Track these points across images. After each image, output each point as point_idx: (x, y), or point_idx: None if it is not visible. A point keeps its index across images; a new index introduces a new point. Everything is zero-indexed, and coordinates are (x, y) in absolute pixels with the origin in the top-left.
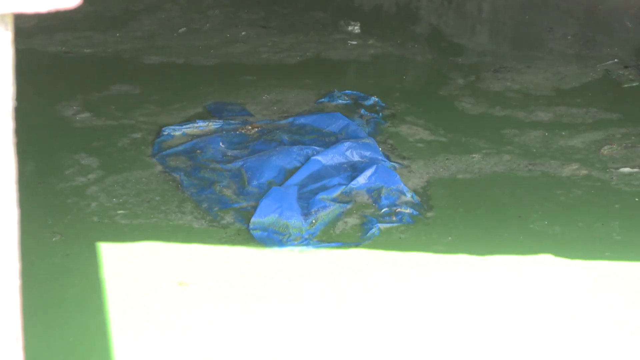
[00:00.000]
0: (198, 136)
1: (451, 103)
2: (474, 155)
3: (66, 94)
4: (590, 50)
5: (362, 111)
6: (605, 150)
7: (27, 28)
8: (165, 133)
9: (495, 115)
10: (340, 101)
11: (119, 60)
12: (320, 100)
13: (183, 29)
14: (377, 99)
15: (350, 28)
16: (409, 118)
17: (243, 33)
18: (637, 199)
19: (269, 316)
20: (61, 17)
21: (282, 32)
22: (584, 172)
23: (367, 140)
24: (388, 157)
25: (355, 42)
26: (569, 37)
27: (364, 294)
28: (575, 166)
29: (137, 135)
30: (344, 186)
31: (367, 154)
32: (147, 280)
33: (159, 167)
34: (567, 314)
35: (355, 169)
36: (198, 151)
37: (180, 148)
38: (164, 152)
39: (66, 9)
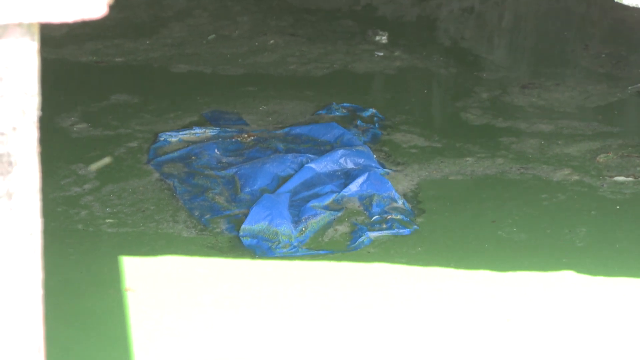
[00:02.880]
0: (194, 142)
1: (456, 114)
2: (467, 159)
3: (65, 104)
4: (621, 71)
5: (359, 122)
6: (601, 158)
7: (57, 37)
8: (162, 139)
9: (497, 126)
10: (337, 113)
11: (148, 69)
12: (318, 112)
13: (212, 36)
14: (375, 111)
15: (377, 38)
16: (404, 127)
17: (271, 41)
18: (618, 207)
19: (243, 323)
20: (91, 25)
21: (310, 41)
22: (575, 177)
23: (361, 148)
24: (383, 165)
25: (381, 54)
26: (603, 55)
27: (332, 304)
28: (567, 171)
29: (134, 144)
30: (335, 194)
31: (361, 161)
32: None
33: (156, 175)
34: (503, 320)
35: (348, 177)
36: (193, 157)
37: (176, 154)
38: (159, 158)
39: (92, 19)
